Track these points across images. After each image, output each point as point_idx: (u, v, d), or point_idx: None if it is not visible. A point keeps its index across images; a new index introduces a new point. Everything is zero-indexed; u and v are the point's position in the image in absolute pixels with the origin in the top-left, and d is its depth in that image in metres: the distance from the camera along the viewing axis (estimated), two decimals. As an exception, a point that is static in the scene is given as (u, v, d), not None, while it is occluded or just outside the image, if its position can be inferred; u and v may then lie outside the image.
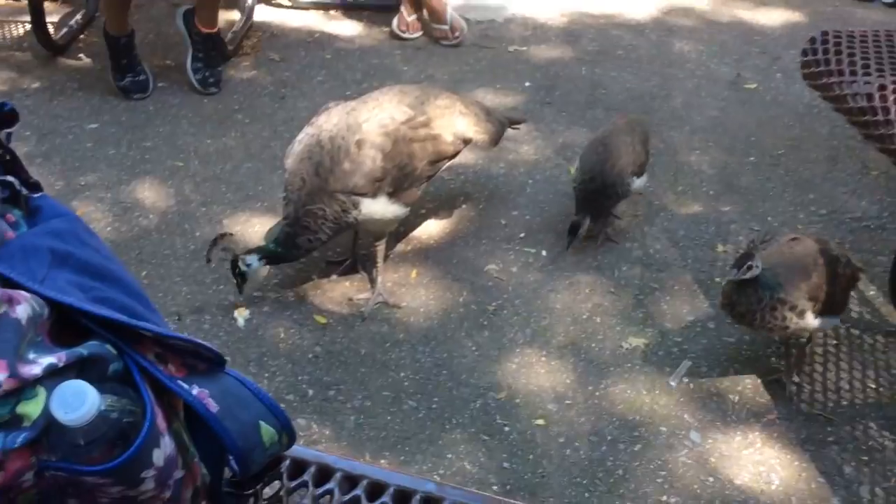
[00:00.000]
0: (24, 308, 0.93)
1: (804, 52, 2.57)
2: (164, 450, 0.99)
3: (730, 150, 3.56)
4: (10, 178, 1.06)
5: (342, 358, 2.66)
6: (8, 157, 1.08)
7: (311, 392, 2.55)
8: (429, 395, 2.54)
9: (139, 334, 1.03)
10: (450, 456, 2.37)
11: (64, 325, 1.01)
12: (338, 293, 2.89)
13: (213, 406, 1.05)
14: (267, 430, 1.11)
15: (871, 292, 2.87)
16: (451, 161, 2.94)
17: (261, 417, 1.10)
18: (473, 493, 1.25)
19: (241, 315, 2.80)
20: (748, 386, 2.56)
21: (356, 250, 3.00)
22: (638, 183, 3.00)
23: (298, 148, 2.75)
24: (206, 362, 1.08)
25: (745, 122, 3.72)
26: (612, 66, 4.11)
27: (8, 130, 1.08)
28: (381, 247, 2.87)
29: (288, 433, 1.16)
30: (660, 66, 4.12)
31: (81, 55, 4.20)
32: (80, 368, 0.97)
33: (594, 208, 2.96)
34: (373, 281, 2.90)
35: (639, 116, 3.26)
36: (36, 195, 1.10)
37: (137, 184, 3.36)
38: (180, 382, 1.03)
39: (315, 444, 2.39)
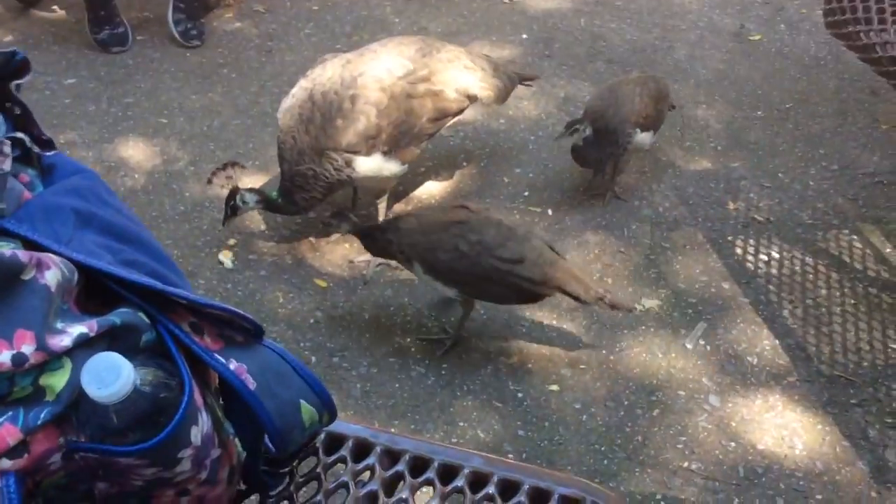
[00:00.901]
0: (53, 273, 0.85)
1: (827, 0, 2.49)
2: (202, 427, 0.93)
3: (736, 104, 3.49)
4: (20, 135, 0.98)
5: (345, 323, 2.58)
6: (18, 112, 0.99)
7: (314, 359, 2.47)
8: (437, 361, 2.47)
9: (173, 302, 0.95)
10: (462, 424, 2.30)
11: (91, 291, 0.93)
12: (337, 255, 2.80)
13: (252, 383, 0.98)
14: (307, 410, 1.05)
15: (888, 249, 2.82)
16: (456, 119, 2.83)
17: (302, 396, 1.04)
18: (522, 465, 1.18)
19: (227, 258, 2.72)
20: (766, 347, 2.51)
21: (355, 209, 2.91)
22: (642, 137, 2.91)
23: (290, 102, 2.64)
24: (243, 333, 1.01)
25: (750, 76, 3.65)
26: (612, 18, 4.01)
27: (18, 82, 0.98)
28: (381, 205, 2.78)
29: (329, 411, 1.09)
30: (660, 18, 4.03)
31: (55, 7, 4.03)
32: (111, 338, 0.89)
33: (595, 155, 2.89)
34: None
35: (657, 76, 3.15)
36: (49, 153, 1.01)
37: (120, 142, 3.24)
38: (217, 356, 0.96)
39: (321, 413, 2.31)
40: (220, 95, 3.50)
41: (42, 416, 0.84)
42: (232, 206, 2.65)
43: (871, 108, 3.44)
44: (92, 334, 0.84)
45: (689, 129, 3.32)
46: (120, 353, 0.86)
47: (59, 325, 0.85)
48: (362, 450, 1.20)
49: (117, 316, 0.89)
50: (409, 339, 2.53)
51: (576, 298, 2.34)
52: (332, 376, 2.42)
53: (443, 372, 2.44)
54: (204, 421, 0.93)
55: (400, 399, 2.37)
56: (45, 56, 3.68)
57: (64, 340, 0.83)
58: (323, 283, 2.70)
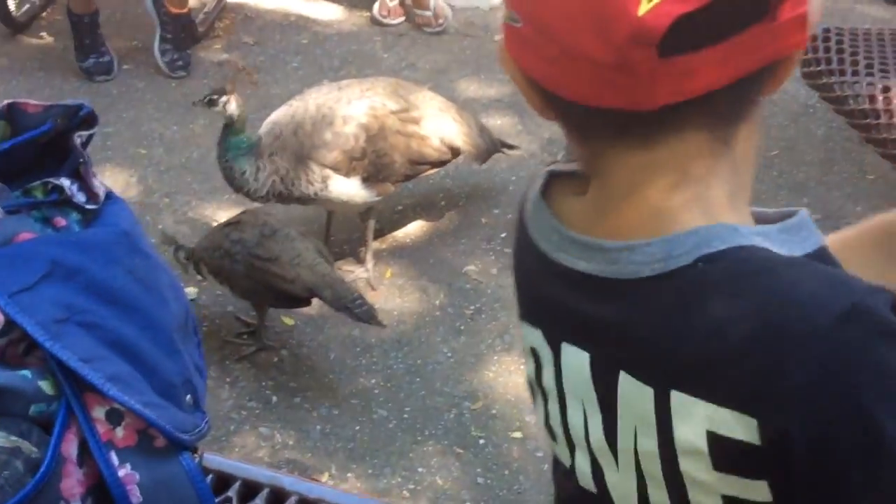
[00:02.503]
0: None
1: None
2: None
3: (722, 149, 3.50)
4: (61, 181, 1.00)
5: (309, 363, 2.59)
6: (82, 160, 1.01)
7: (274, 399, 2.47)
8: (400, 403, 2.47)
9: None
10: (421, 470, 2.30)
11: (34, 345, 0.92)
12: (307, 293, 2.81)
13: (136, 496, 0.92)
14: None
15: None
16: (435, 169, 2.90)
17: None
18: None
19: (193, 292, 2.72)
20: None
21: (327, 246, 2.93)
22: None
23: (283, 108, 2.73)
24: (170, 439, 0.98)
25: (738, 121, 3.66)
26: (602, 59, 4.04)
27: (83, 133, 1.01)
28: (371, 223, 2.85)
29: None
30: (651, 60, 4.05)
31: (43, 33, 4.09)
32: None
33: None
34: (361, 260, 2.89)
35: None
36: (91, 205, 1.02)
37: (97, 172, 3.25)
38: (112, 454, 0.91)
39: (277, 454, 2.32)
40: (202, 127, 3.53)
41: None
42: (211, 99, 2.63)
43: (859, 158, 3.45)
44: None
45: (672, 174, 3.33)
46: (1, 416, 0.86)
47: None
48: (277, 499, 1.21)
49: (4, 376, 0.88)
50: (373, 381, 2.54)
51: (327, 303, 2.47)
52: (292, 417, 2.42)
53: (405, 416, 2.44)
54: None
55: (359, 442, 2.37)
56: (29, 82, 3.73)
57: None
58: (290, 321, 2.72)
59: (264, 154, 2.63)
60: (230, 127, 2.64)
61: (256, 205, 2.74)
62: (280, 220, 2.61)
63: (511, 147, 3.17)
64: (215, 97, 2.61)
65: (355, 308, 2.43)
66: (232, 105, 2.61)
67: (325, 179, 2.65)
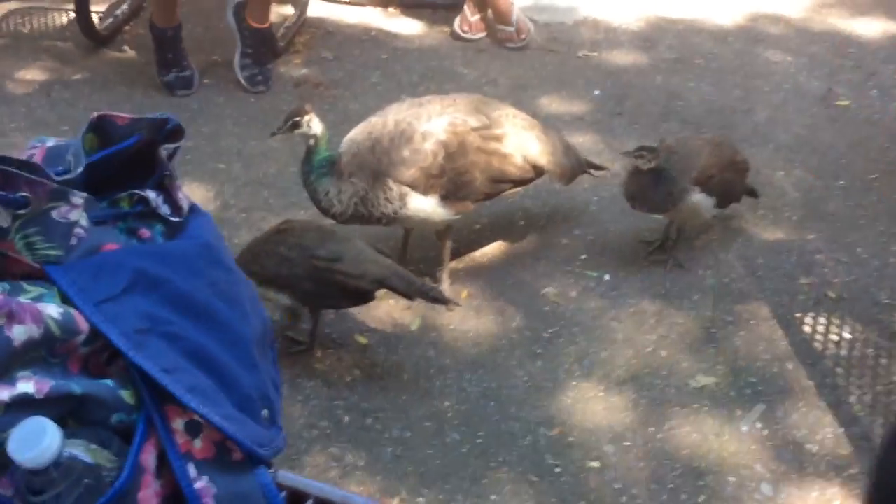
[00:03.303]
0: (23, 329, 0.89)
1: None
2: None
3: (817, 171, 3.44)
4: (146, 193, 1.04)
5: (382, 383, 2.61)
6: (167, 173, 1.06)
7: (346, 419, 2.50)
8: (474, 427, 2.48)
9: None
10: (494, 497, 2.30)
11: (117, 354, 0.95)
12: (381, 311, 2.85)
13: None
14: None
15: (972, 337, 2.73)
16: (517, 188, 2.90)
17: None
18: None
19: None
20: (829, 435, 2.45)
21: (403, 265, 2.95)
22: (699, 198, 2.85)
23: (362, 125, 2.76)
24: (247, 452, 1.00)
25: (835, 142, 3.59)
26: (691, 76, 4.02)
27: (170, 146, 1.06)
28: (448, 242, 2.88)
29: None
30: (743, 78, 4.01)
31: (126, 47, 4.23)
32: (77, 404, 0.91)
33: (640, 194, 2.88)
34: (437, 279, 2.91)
35: (737, 147, 3.13)
36: (176, 218, 1.06)
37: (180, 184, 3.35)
38: (190, 466, 0.94)
39: (348, 476, 2.34)
40: (280, 142, 3.60)
41: None
42: (295, 122, 2.67)
43: (966, 183, 3.36)
44: (39, 396, 0.87)
45: (763, 196, 3.28)
46: (83, 424, 0.89)
47: (22, 375, 0.88)
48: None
49: (82, 385, 0.91)
50: (447, 403, 2.55)
51: (399, 293, 2.58)
52: (363, 438, 2.45)
53: (479, 440, 2.45)
54: None
55: (431, 466, 2.38)
56: (111, 96, 3.86)
57: (2, 394, 0.86)
58: (364, 340, 2.75)
59: (344, 173, 2.67)
60: (314, 146, 2.68)
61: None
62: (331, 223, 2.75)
63: (599, 168, 3.15)
64: (298, 118, 2.66)
65: (429, 291, 2.57)
66: (315, 123, 2.67)
67: (402, 197, 2.67)
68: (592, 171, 3.12)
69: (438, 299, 2.59)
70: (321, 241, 2.54)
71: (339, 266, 2.50)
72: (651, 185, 2.83)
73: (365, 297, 2.60)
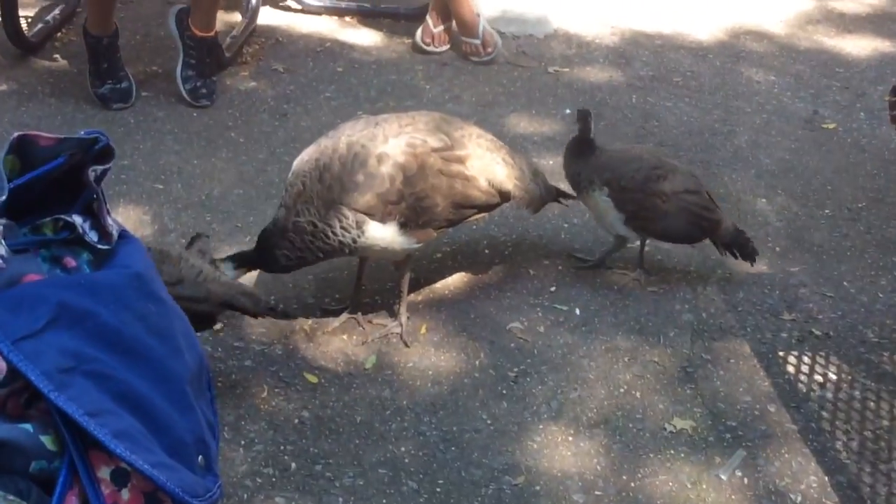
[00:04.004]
0: None
1: (894, 91, 2.51)
2: None
3: (801, 199, 3.49)
4: (72, 218, 1.03)
5: (333, 426, 2.59)
6: (95, 196, 1.04)
7: (293, 465, 2.47)
8: (433, 475, 2.47)
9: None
10: (453, 551, 2.29)
11: (37, 396, 0.94)
12: (333, 348, 2.83)
13: None
14: None
15: (965, 378, 2.77)
16: (482, 215, 2.89)
17: None
18: None
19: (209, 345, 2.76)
20: (813, 483, 2.47)
21: (357, 297, 2.95)
22: (602, 200, 2.97)
23: (311, 148, 2.75)
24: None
25: (820, 168, 3.65)
26: (668, 95, 4.07)
27: (98, 167, 1.05)
28: (406, 272, 2.86)
29: None
30: (724, 98, 4.07)
31: (57, 56, 4.21)
32: None
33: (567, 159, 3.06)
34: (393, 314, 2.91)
35: (693, 173, 3.15)
36: (104, 245, 1.05)
37: (111, 207, 3.32)
38: None
39: (294, 528, 2.32)
40: (225, 161, 3.59)
41: None
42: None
43: (957, 212, 3.42)
44: None
45: (744, 226, 3.31)
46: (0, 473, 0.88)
47: None
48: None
49: (5, 430, 0.90)
50: (403, 448, 2.54)
51: (246, 312, 2.57)
52: (311, 487, 2.43)
53: (437, 490, 2.43)
54: None
55: (385, 517, 2.36)
56: (39, 109, 3.83)
57: None
58: (314, 379, 2.73)
59: (288, 227, 2.67)
60: (242, 261, 2.77)
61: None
62: (168, 242, 2.74)
63: (569, 196, 3.16)
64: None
65: (276, 308, 2.60)
66: (224, 267, 2.69)
67: (360, 225, 2.66)
68: (562, 199, 3.13)
69: (288, 315, 2.68)
70: (158, 263, 2.45)
71: (180, 291, 2.39)
72: (572, 155, 3.05)
73: (211, 321, 2.58)
